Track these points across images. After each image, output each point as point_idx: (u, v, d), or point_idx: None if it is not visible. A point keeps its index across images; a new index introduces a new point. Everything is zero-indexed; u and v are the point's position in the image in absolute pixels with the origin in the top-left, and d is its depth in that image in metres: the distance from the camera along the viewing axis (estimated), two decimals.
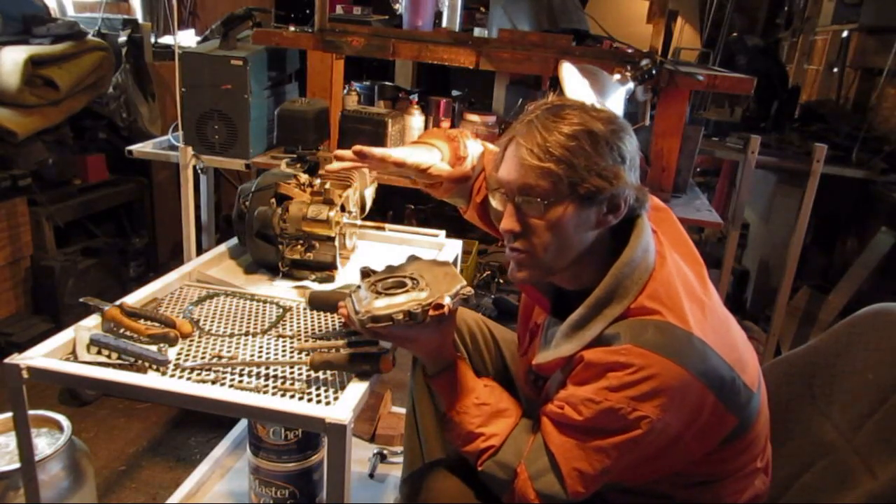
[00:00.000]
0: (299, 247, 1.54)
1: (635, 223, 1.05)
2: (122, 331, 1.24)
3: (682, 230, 1.18)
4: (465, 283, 1.10)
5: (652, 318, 0.98)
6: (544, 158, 0.97)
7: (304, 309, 1.43)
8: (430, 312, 1.05)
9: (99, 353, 1.16)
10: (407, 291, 1.11)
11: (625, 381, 0.95)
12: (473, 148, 1.35)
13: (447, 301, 1.06)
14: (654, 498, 1.13)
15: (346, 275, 1.61)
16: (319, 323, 1.38)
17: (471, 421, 1.12)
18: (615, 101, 1.76)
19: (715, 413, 1.01)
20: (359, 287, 1.19)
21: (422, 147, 1.29)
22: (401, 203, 3.83)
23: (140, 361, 1.15)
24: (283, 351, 1.26)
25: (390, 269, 1.22)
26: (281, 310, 1.42)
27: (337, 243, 1.55)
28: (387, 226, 1.86)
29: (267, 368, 1.18)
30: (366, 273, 1.23)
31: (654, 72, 1.98)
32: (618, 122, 1.02)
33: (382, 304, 1.09)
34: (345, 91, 2.50)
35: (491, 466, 1.09)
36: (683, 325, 0.97)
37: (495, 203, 1.09)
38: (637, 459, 1.02)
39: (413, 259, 1.24)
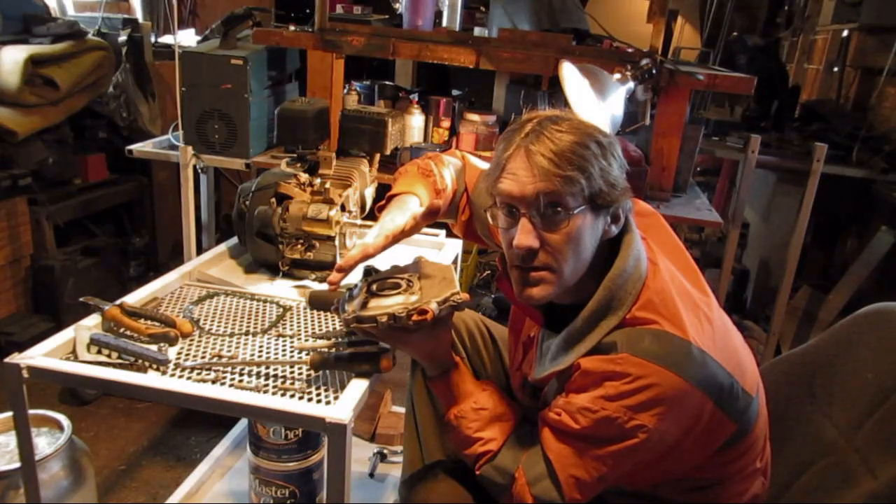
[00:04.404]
0: (299, 246, 1.54)
1: (624, 232, 1.05)
2: (122, 330, 1.24)
3: (673, 235, 1.17)
4: (458, 289, 1.09)
5: (649, 327, 0.97)
6: (565, 166, 0.95)
7: (304, 308, 1.43)
8: (414, 317, 1.04)
9: (99, 352, 1.16)
10: (399, 294, 1.11)
11: (621, 391, 0.95)
12: (451, 170, 1.34)
13: (433, 307, 1.05)
14: (654, 501, 1.13)
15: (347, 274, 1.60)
16: (319, 322, 1.38)
17: (469, 425, 1.11)
18: (615, 101, 1.76)
19: (714, 420, 1.00)
20: (356, 286, 1.20)
21: (394, 207, 1.24)
22: None
23: (140, 361, 1.15)
24: (283, 350, 1.26)
25: (395, 269, 1.23)
26: (281, 309, 1.42)
27: (337, 243, 1.55)
28: None
29: (267, 368, 1.18)
30: (368, 272, 1.23)
31: (654, 71, 1.98)
32: (609, 134, 1.02)
33: (370, 306, 1.09)
34: (345, 90, 2.49)
35: (489, 471, 1.09)
36: (681, 333, 0.97)
37: (493, 220, 1.06)
38: (635, 467, 1.01)
39: (417, 261, 1.25)
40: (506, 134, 1.04)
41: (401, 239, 1.24)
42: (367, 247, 1.18)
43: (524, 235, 0.99)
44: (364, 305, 1.10)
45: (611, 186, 0.98)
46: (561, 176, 0.95)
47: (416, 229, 1.26)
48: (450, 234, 1.89)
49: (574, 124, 1.00)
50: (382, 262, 1.27)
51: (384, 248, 1.20)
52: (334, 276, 1.19)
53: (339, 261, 1.58)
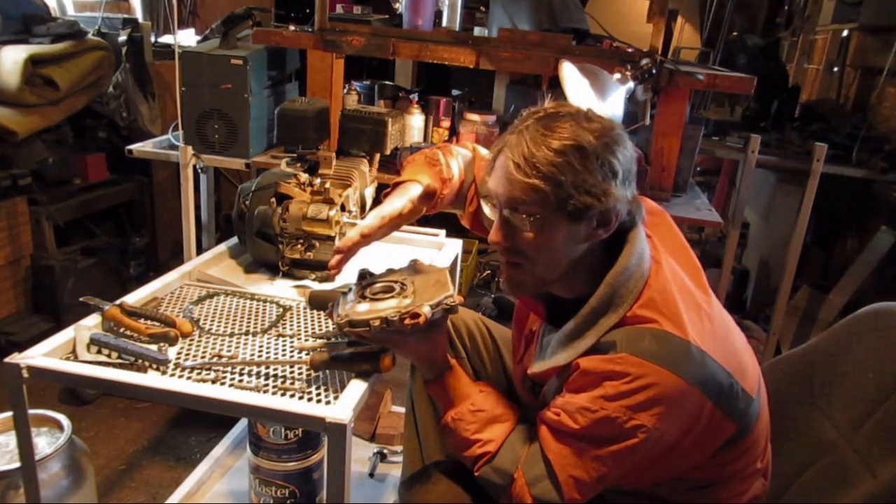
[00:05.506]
0: (299, 246, 1.54)
1: (630, 230, 1.04)
2: (122, 330, 1.24)
3: (679, 234, 1.17)
4: (451, 293, 1.09)
5: (648, 326, 0.97)
6: (530, 174, 0.95)
7: (304, 308, 1.43)
8: (407, 321, 1.05)
9: (99, 352, 1.16)
10: (392, 297, 1.11)
11: (621, 391, 0.95)
12: (459, 160, 1.35)
13: (425, 310, 1.05)
14: (653, 501, 1.13)
15: (346, 274, 1.60)
16: (319, 322, 1.38)
17: (466, 427, 1.11)
18: (615, 101, 1.76)
19: (713, 420, 1.00)
20: (349, 289, 1.20)
21: (396, 193, 1.28)
22: None
23: (140, 361, 1.15)
24: (283, 350, 1.26)
25: (389, 272, 1.23)
26: (281, 309, 1.42)
27: (337, 243, 1.55)
28: None
29: (267, 368, 1.18)
30: (363, 275, 1.24)
31: (654, 71, 1.98)
32: (611, 135, 0.99)
33: (362, 310, 1.09)
34: (345, 90, 2.50)
35: (487, 472, 1.08)
36: (680, 333, 0.97)
37: (488, 210, 1.09)
38: (634, 467, 1.01)
39: (413, 263, 1.25)
40: (510, 127, 1.05)
41: (400, 223, 1.26)
42: (363, 228, 1.21)
43: (494, 231, 1.04)
44: (357, 309, 1.10)
45: (585, 194, 0.95)
46: (524, 183, 0.96)
47: (414, 213, 1.28)
48: (450, 234, 1.89)
49: (567, 127, 0.97)
50: (377, 265, 1.28)
51: (380, 228, 1.23)
52: (334, 259, 1.23)
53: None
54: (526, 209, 0.98)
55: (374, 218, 1.23)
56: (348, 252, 1.24)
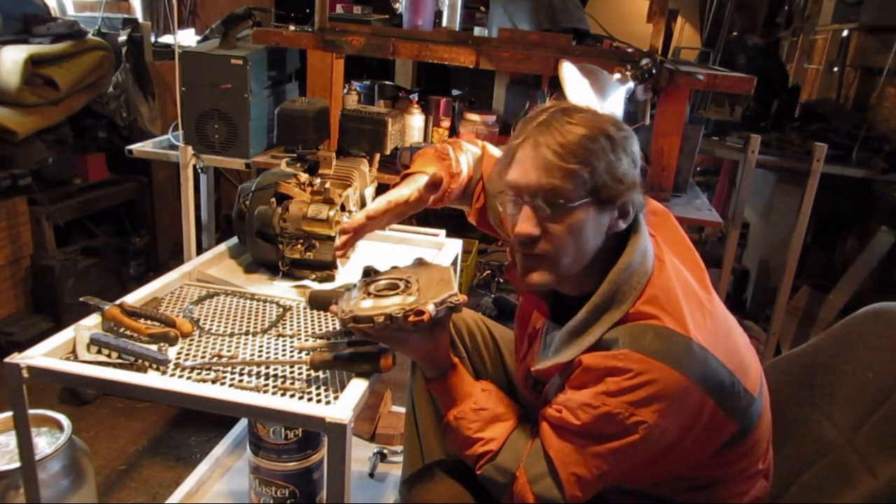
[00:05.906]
0: (299, 246, 1.54)
1: (633, 228, 1.05)
2: (122, 330, 1.24)
3: (682, 234, 1.18)
4: (455, 291, 1.09)
5: (651, 322, 0.98)
6: (568, 159, 0.96)
7: (304, 308, 1.43)
8: (411, 318, 1.05)
9: (99, 352, 1.16)
10: (396, 295, 1.11)
11: (623, 387, 0.95)
12: (468, 156, 1.36)
13: (430, 308, 1.05)
14: (654, 500, 1.13)
15: (347, 274, 1.61)
16: (319, 322, 1.38)
17: (468, 426, 1.11)
18: (615, 101, 1.76)
19: (714, 418, 1.00)
20: (354, 286, 1.20)
21: (403, 183, 1.31)
22: None
23: (140, 361, 1.15)
24: (283, 350, 1.26)
25: (393, 270, 1.23)
26: (281, 309, 1.42)
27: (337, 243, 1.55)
28: None
29: (267, 368, 1.18)
30: (367, 272, 1.24)
31: (654, 71, 1.98)
32: (626, 127, 1.02)
33: (366, 306, 1.09)
34: (345, 90, 2.50)
35: (489, 470, 1.09)
36: (682, 331, 0.97)
37: (502, 207, 1.07)
38: (635, 464, 1.01)
39: (417, 262, 1.25)
40: (521, 122, 1.05)
41: (406, 210, 1.28)
42: (369, 210, 1.24)
43: (524, 223, 1.01)
44: (361, 305, 1.10)
45: (617, 181, 0.98)
46: (563, 169, 0.96)
47: (421, 202, 1.29)
48: (450, 234, 1.90)
49: (588, 117, 1.00)
50: (381, 264, 1.28)
51: (386, 213, 1.26)
52: (340, 240, 1.25)
53: (339, 263, 1.59)
54: (564, 195, 0.97)
55: (380, 202, 1.25)
56: (354, 234, 1.26)
